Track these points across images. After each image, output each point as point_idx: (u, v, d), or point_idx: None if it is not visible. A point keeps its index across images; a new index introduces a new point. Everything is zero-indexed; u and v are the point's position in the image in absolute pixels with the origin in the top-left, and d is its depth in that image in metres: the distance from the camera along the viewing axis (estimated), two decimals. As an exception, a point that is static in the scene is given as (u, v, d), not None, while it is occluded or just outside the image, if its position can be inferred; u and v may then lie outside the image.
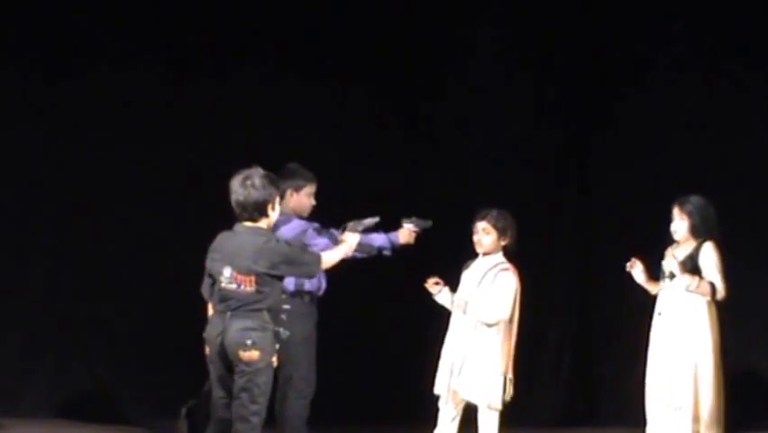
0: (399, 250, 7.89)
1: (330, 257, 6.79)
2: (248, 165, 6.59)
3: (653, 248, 8.11)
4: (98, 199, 10.37)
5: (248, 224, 6.52)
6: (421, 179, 10.49)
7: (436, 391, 7.66)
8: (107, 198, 10.39)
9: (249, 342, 6.37)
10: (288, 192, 7.84)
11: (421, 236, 7.90)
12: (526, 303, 7.69)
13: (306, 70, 10.50)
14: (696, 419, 7.79)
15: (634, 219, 9.60)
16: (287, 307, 7.75)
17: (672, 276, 7.91)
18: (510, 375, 7.56)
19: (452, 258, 7.91)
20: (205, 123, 10.37)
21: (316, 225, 7.83)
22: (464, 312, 7.57)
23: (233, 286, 6.45)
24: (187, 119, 10.35)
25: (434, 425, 7.68)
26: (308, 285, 7.83)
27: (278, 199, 6.56)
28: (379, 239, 7.82)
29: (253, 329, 6.39)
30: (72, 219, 10.42)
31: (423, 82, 10.63)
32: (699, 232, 7.94)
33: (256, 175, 6.50)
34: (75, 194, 10.36)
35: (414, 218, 7.90)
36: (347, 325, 9.63)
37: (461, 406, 7.63)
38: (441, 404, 7.65)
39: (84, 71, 10.32)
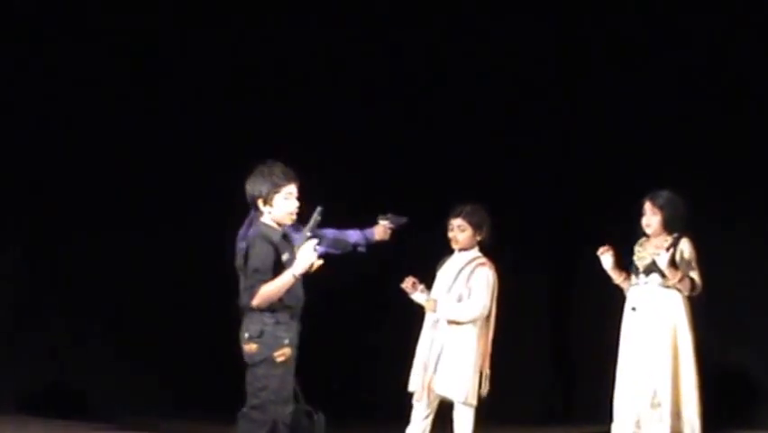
0: (375, 246, 7.86)
1: (268, 288, 6.22)
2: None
3: (632, 245, 8.12)
4: (74, 196, 10.39)
5: (259, 219, 6.42)
6: (398, 175, 10.57)
7: (410, 387, 7.64)
8: (84, 197, 10.42)
9: (246, 335, 6.28)
10: (268, 189, 7.84)
11: (396, 233, 7.87)
12: (504, 301, 7.67)
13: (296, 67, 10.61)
14: (676, 415, 7.77)
15: (614, 217, 9.59)
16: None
17: (648, 271, 7.90)
18: (487, 371, 7.56)
19: (427, 254, 7.93)
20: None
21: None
22: (434, 311, 7.56)
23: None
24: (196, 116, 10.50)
25: (408, 422, 7.64)
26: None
27: (275, 194, 6.32)
28: (354, 235, 7.80)
29: (252, 323, 6.28)
30: (47, 218, 10.40)
31: (402, 78, 10.72)
32: (671, 226, 7.93)
33: (254, 169, 6.41)
34: (51, 192, 10.38)
35: (389, 215, 7.87)
36: (320, 322, 9.55)
37: (436, 403, 7.60)
38: (414, 401, 7.61)
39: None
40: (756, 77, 9.75)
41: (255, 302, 6.21)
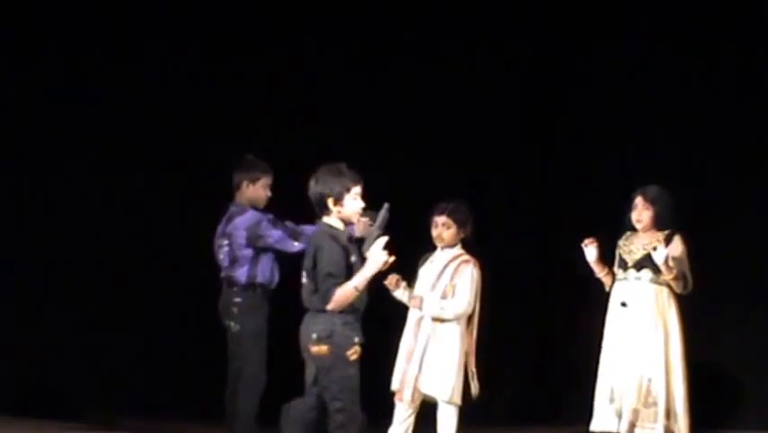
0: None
1: (345, 290, 6.25)
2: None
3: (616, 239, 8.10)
4: (44, 198, 10.35)
5: (322, 219, 6.46)
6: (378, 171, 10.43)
7: (393, 386, 7.56)
8: (53, 196, 10.37)
9: (314, 336, 6.29)
10: (245, 184, 7.91)
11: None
12: (488, 300, 7.61)
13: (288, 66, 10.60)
14: (667, 414, 7.72)
15: (600, 215, 9.58)
16: (238, 300, 7.74)
17: (640, 266, 7.83)
18: (473, 369, 7.50)
19: (408, 251, 7.81)
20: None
21: (270, 216, 7.83)
22: (420, 308, 7.49)
23: (303, 281, 6.43)
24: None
25: (390, 421, 7.57)
26: (260, 278, 7.82)
27: (346, 193, 6.38)
28: (335, 232, 7.71)
29: (321, 323, 6.29)
30: (21, 218, 10.34)
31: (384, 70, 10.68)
32: (662, 222, 7.88)
33: (322, 169, 6.44)
34: (25, 194, 10.34)
35: (370, 211, 7.79)
36: (299, 319, 9.51)
37: (419, 402, 7.53)
38: (397, 400, 7.54)
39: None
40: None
41: (331, 306, 6.25)
